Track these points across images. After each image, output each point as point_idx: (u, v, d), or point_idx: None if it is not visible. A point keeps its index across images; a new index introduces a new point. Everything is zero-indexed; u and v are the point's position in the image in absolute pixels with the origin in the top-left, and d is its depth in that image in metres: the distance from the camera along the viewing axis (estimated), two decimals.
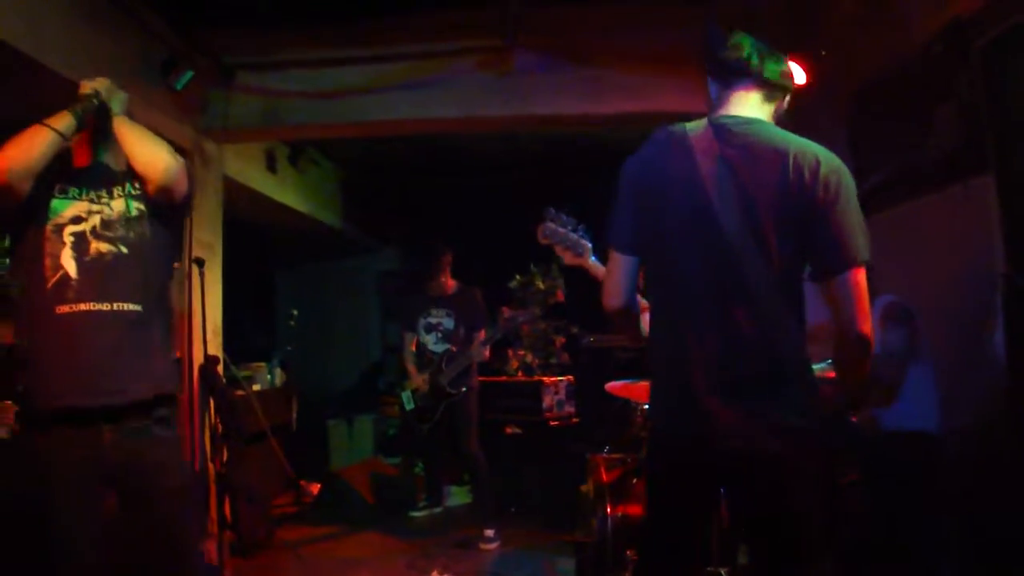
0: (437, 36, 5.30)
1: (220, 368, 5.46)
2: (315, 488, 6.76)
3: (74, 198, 2.67)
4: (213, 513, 4.95)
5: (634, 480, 3.93)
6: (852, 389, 2.32)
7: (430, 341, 6.13)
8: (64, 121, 2.59)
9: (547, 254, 2.77)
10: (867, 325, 2.05)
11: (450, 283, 6.20)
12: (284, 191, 7.42)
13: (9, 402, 4.40)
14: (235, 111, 5.57)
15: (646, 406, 3.99)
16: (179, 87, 4.87)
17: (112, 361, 2.53)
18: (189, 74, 4.89)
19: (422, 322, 6.17)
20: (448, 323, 6.11)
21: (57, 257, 2.56)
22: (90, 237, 2.61)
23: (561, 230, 2.73)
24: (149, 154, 2.67)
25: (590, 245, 2.73)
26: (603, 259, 2.56)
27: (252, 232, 8.08)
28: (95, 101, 2.70)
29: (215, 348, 5.58)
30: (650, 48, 5.05)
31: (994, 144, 3.66)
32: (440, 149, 7.96)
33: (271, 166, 7.09)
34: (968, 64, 3.78)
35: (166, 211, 2.76)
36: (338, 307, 10.91)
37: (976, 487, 3.67)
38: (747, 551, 2.34)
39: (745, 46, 2.28)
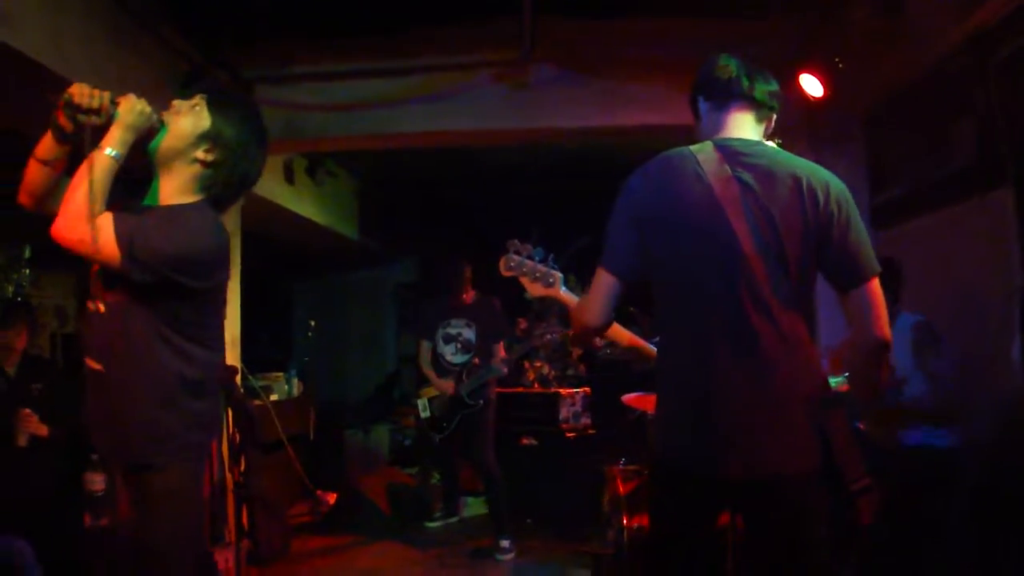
0: (454, 49, 5.34)
1: (238, 378, 5.49)
2: (332, 498, 6.76)
3: None
4: (231, 522, 4.98)
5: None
6: (865, 392, 2.36)
7: (448, 352, 6.10)
8: (42, 144, 2.42)
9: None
10: (886, 329, 2.15)
11: (469, 293, 6.17)
12: (302, 203, 7.45)
13: (29, 410, 4.46)
14: None
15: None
16: None
17: (96, 418, 2.45)
18: None
19: (440, 332, 6.13)
20: (468, 334, 6.06)
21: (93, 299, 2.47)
22: (100, 285, 2.43)
23: (528, 261, 2.61)
24: (63, 204, 2.28)
25: (561, 275, 2.60)
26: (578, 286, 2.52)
27: (269, 243, 8.12)
28: (68, 110, 2.38)
29: (233, 359, 5.62)
30: (667, 61, 5.05)
31: (1012, 158, 3.66)
32: (457, 160, 7.98)
33: (289, 178, 7.12)
34: (986, 78, 3.79)
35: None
36: (355, 318, 10.99)
37: (992, 500, 3.66)
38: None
39: (732, 67, 2.32)
